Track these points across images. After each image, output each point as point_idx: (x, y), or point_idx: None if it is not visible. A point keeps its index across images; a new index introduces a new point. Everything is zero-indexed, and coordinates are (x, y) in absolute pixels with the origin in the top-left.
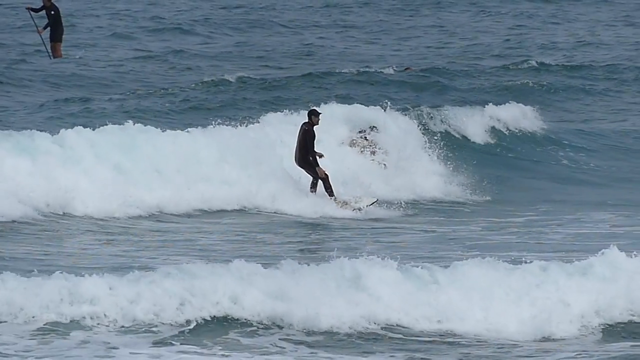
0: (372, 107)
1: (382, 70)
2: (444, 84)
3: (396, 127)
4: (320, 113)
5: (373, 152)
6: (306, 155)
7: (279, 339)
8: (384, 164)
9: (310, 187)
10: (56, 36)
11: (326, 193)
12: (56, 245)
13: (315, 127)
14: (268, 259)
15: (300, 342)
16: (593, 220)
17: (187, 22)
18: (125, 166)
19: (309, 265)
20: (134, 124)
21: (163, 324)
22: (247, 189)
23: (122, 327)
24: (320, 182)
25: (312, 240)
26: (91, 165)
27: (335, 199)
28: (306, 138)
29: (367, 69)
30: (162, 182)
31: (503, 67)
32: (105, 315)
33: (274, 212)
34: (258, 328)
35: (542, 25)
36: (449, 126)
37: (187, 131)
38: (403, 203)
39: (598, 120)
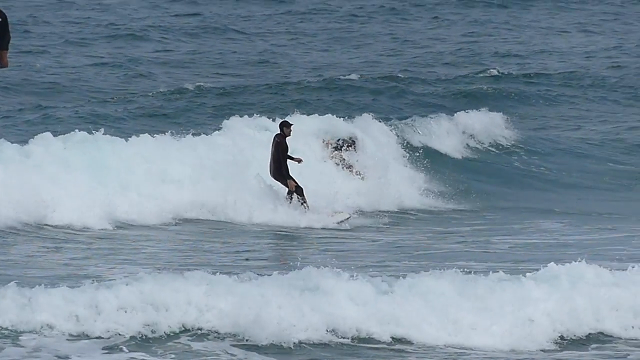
0: (343, 118)
1: (339, 77)
2: (402, 88)
3: (371, 140)
4: (291, 124)
5: (349, 167)
6: (280, 168)
7: (230, 345)
8: (360, 174)
9: (286, 196)
10: (2, 44)
11: (300, 204)
12: (3, 253)
13: (287, 138)
14: (216, 268)
15: (251, 348)
16: (540, 229)
17: (141, 29)
18: (96, 176)
19: (270, 275)
20: (102, 133)
21: (115, 329)
22: (222, 199)
23: (76, 333)
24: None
25: (259, 249)
26: (61, 174)
27: (309, 211)
28: (278, 150)
29: (321, 75)
30: (134, 192)
31: (464, 75)
32: (60, 330)
33: (251, 224)
34: (209, 332)
35: (494, 32)
36: (416, 133)
37: (155, 137)
38: (382, 214)
39: (552, 128)
